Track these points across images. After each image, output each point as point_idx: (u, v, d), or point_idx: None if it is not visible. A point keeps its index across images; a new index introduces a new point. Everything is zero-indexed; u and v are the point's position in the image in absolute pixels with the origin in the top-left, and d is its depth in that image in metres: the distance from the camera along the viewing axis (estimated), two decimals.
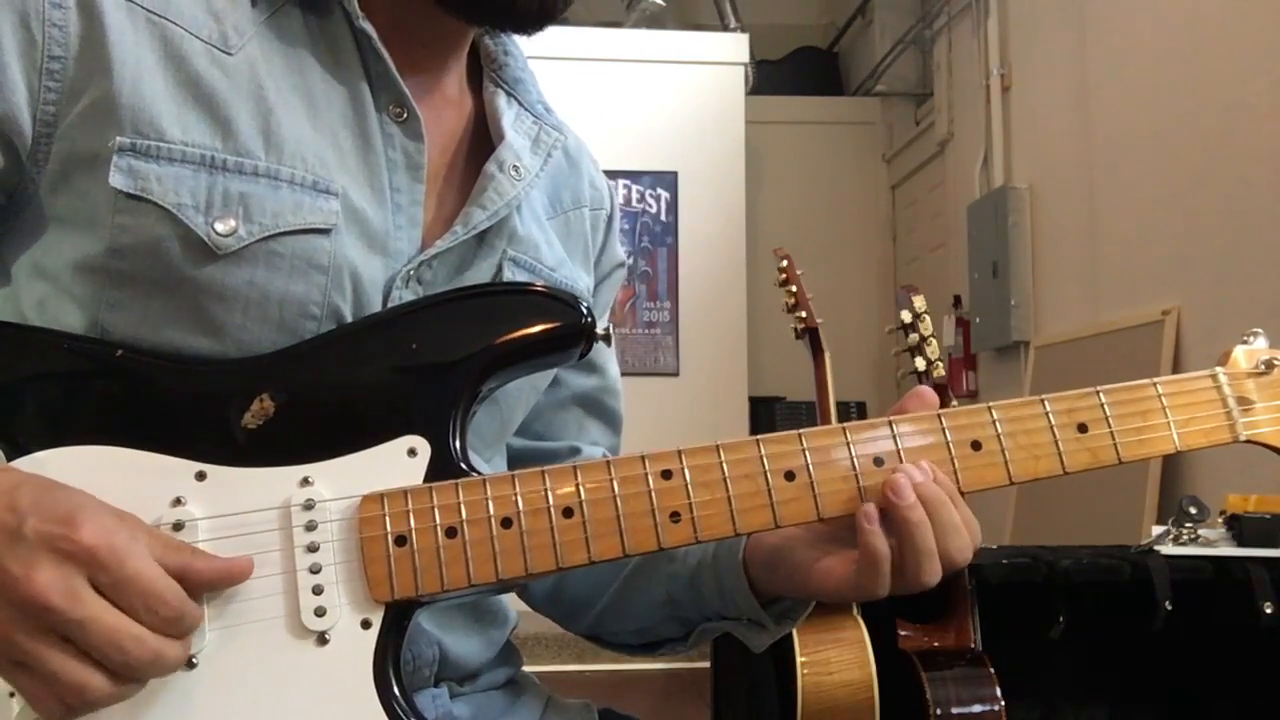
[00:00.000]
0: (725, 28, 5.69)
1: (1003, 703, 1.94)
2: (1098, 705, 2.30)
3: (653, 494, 0.76)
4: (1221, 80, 3.35)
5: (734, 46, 5.50)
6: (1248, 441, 0.84)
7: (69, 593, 0.63)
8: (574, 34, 5.24)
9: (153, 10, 0.79)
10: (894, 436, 0.80)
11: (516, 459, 1.00)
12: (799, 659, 1.99)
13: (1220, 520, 2.25)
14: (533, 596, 1.03)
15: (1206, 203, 3.42)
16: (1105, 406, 0.82)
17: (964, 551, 0.78)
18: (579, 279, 0.99)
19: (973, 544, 0.79)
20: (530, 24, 0.88)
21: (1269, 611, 2.04)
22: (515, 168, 0.90)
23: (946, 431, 0.80)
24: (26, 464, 0.72)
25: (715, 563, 0.90)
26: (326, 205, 0.80)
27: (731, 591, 0.89)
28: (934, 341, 2.20)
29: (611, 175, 1.10)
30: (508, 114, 0.94)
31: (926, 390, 0.83)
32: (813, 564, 0.81)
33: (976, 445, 0.80)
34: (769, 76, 6.49)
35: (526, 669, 1.03)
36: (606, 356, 1.06)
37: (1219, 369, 0.86)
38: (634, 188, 5.27)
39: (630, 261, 5.04)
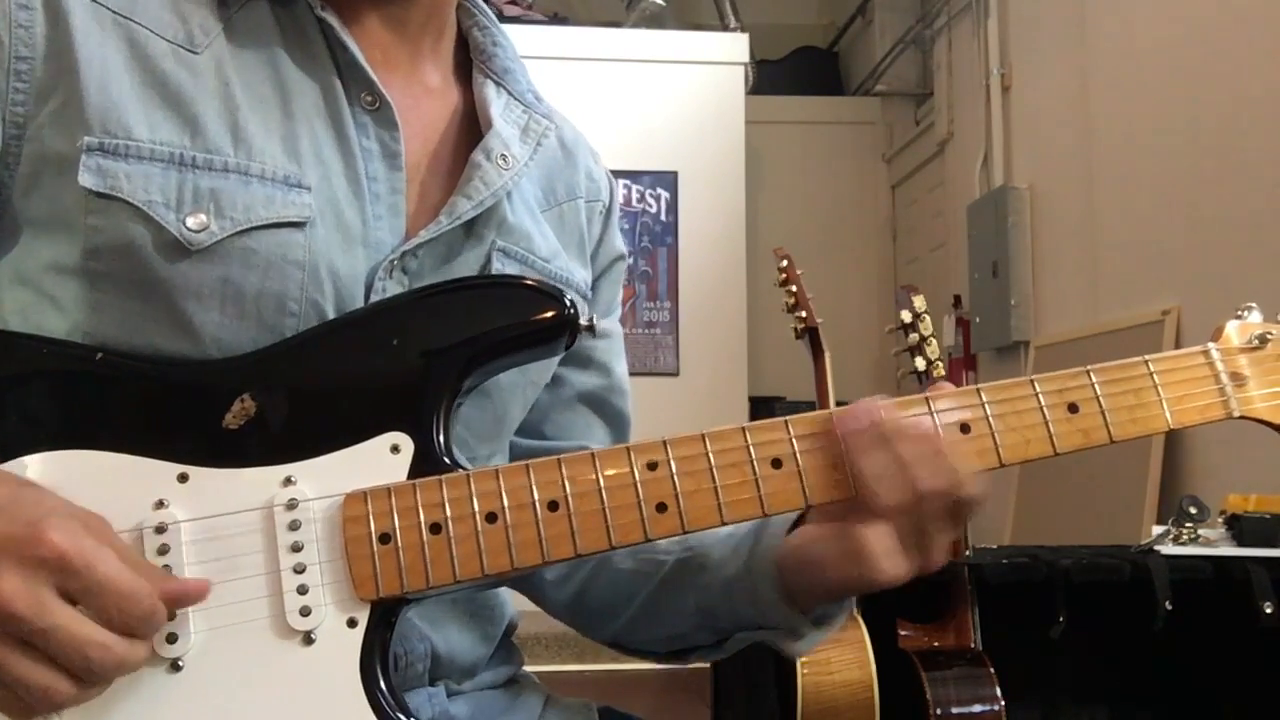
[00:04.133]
0: (725, 27, 5.67)
1: (1003, 703, 1.94)
2: (1098, 705, 2.29)
3: (638, 485, 0.76)
4: (1222, 80, 3.34)
5: (734, 46, 5.48)
6: (1241, 418, 0.83)
7: (34, 600, 0.62)
8: (574, 34, 5.23)
9: (119, 12, 0.80)
10: None
11: (526, 459, 0.98)
12: (799, 659, 1.98)
13: (1220, 520, 2.25)
14: (552, 605, 1.01)
15: (1206, 202, 3.41)
16: (1096, 386, 0.81)
17: (937, 477, 0.75)
18: (574, 271, 0.97)
19: (949, 474, 0.75)
20: None
21: (1269, 611, 2.03)
22: (503, 156, 0.90)
23: (935, 415, 0.79)
24: (8, 468, 0.71)
25: (750, 574, 0.87)
26: (299, 199, 0.80)
27: (767, 603, 0.86)
28: (934, 341, 2.19)
29: (611, 175, 1.09)
30: (496, 103, 0.93)
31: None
32: (841, 550, 0.78)
33: (965, 428, 0.79)
34: (769, 76, 6.48)
35: (526, 668, 1.02)
36: (612, 354, 1.04)
37: (1211, 344, 0.84)
38: (634, 188, 5.26)
39: (630, 261, 5.03)
